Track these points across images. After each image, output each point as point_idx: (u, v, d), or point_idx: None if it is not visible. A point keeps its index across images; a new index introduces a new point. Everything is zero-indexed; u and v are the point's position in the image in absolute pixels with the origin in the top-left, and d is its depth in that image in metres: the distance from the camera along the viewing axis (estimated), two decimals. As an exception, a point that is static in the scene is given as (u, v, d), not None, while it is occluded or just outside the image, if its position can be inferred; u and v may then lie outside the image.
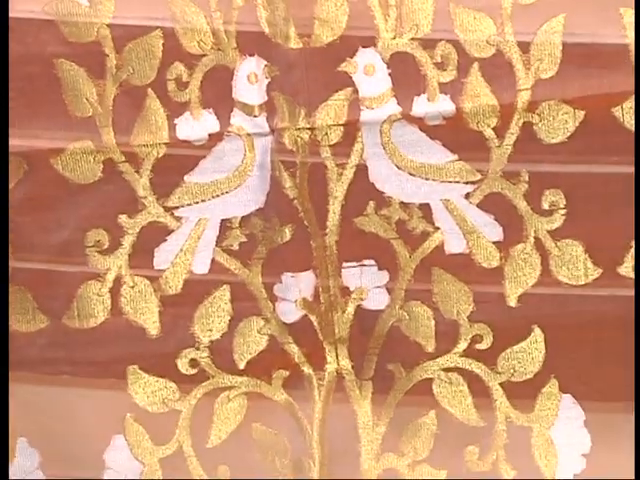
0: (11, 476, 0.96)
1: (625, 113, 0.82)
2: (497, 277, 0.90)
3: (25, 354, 0.93)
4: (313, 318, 0.89)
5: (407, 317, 0.87)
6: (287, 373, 0.91)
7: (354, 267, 0.89)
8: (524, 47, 0.85)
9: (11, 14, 0.86)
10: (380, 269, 0.89)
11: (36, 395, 0.93)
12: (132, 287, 0.88)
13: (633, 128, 0.86)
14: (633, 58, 0.85)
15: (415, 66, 0.85)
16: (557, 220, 0.86)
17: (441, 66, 0.85)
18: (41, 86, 0.86)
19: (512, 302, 0.89)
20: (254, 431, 0.92)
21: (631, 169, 0.83)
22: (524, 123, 0.85)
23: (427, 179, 0.87)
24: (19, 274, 0.89)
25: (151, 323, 0.89)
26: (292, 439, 0.92)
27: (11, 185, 0.89)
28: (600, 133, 0.83)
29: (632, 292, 0.90)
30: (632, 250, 0.87)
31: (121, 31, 0.88)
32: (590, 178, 0.83)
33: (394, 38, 0.85)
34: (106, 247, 0.89)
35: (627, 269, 0.85)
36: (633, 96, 0.84)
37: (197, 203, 0.89)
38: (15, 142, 0.87)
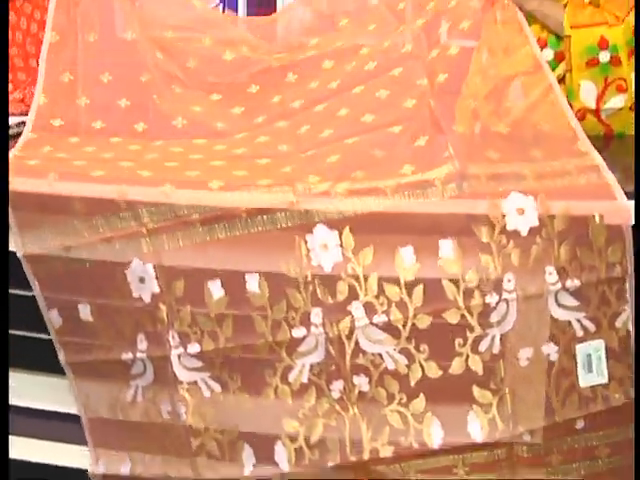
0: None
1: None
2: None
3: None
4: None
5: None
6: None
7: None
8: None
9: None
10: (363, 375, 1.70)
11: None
12: None
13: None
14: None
15: (373, 307, 1.69)
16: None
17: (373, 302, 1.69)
18: None
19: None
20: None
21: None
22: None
23: (377, 344, 1.69)
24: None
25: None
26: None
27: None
28: None
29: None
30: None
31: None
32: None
33: (365, 296, 1.69)
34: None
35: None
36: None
37: (304, 357, 1.74)
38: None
